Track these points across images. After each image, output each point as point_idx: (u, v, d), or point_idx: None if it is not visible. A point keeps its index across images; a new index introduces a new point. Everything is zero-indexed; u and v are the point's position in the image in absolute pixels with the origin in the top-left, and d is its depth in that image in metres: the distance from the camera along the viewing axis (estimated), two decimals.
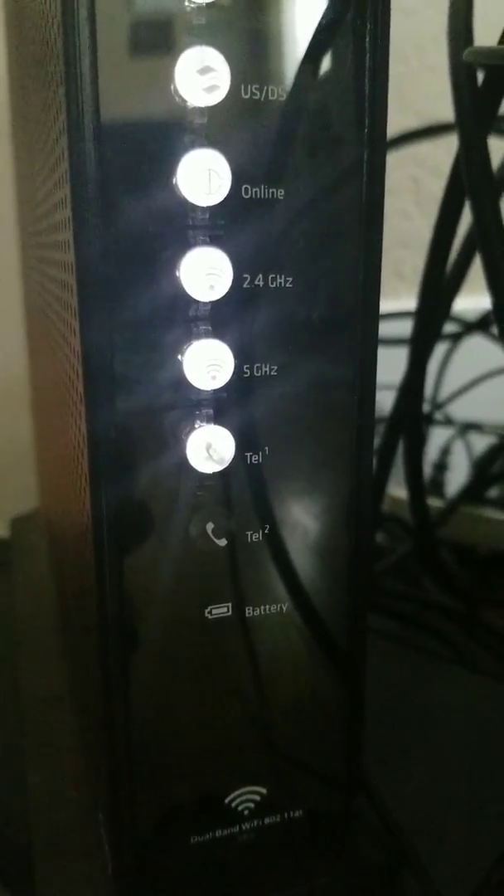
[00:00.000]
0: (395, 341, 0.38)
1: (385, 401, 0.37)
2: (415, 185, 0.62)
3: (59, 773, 0.28)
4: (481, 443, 0.52)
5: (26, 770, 0.28)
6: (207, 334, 0.19)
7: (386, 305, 0.24)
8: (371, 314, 0.20)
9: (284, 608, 0.22)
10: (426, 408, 0.51)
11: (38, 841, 0.25)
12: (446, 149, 0.29)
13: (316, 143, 0.19)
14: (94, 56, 0.17)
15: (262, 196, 0.19)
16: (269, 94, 0.18)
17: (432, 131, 0.41)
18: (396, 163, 0.60)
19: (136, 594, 0.20)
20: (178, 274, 0.18)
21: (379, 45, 0.19)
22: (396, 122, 0.42)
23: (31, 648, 0.37)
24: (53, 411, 0.28)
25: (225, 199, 0.18)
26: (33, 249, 0.34)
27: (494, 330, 0.45)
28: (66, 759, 0.29)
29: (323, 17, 0.18)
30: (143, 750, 0.21)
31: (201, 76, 0.17)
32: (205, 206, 0.18)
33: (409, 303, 0.35)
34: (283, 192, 0.19)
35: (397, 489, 0.45)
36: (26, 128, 0.31)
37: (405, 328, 0.35)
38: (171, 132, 0.18)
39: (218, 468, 0.20)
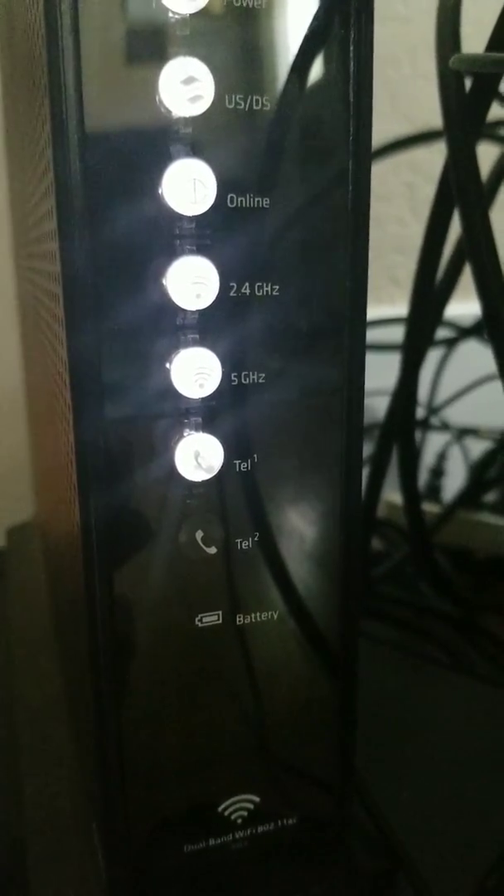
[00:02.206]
0: (390, 347, 0.38)
1: (380, 406, 0.37)
2: (409, 191, 0.62)
3: (53, 783, 0.28)
4: (478, 448, 0.52)
5: (21, 780, 0.28)
6: (195, 343, 0.19)
7: (381, 311, 0.24)
8: (358, 321, 0.20)
9: (275, 615, 0.22)
10: (422, 413, 0.51)
11: (33, 851, 0.25)
12: (441, 155, 0.29)
13: (301, 152, 0.19)
14: (78, 66, 0.17)
15: (248, 205, 0.19)
16: (254, 104, 0.18)
17: (425, 137, 0.41)
18: (391, 169, 0.60)
19: (126, 603, 0.20)
20: (164, 283, 0.18)
21: (363, 55, 0.19)
22: (389, 129, 0.42)
23: (26, 657, 0.37)
24: (46, 421, 0.28)
25: (210, 208, 0.18)
26: (25, 260, 0.34)
27: None
28: (61, 769, 0.29)
29: (306, 28, 0.18)
30: (136, 758, 0.21)
31: (185, 86, 0.17)
32: (190, 215, 0.18)
33: (405, 308, 0.35)
34: (268, 201, 0.19)
35: (393, 494, 0.45)
36: (17, 139, 0.31)
37: (400, 333, 0.35)
38: (156, 142, 0.18)
39: (207, 476, 0.20)
